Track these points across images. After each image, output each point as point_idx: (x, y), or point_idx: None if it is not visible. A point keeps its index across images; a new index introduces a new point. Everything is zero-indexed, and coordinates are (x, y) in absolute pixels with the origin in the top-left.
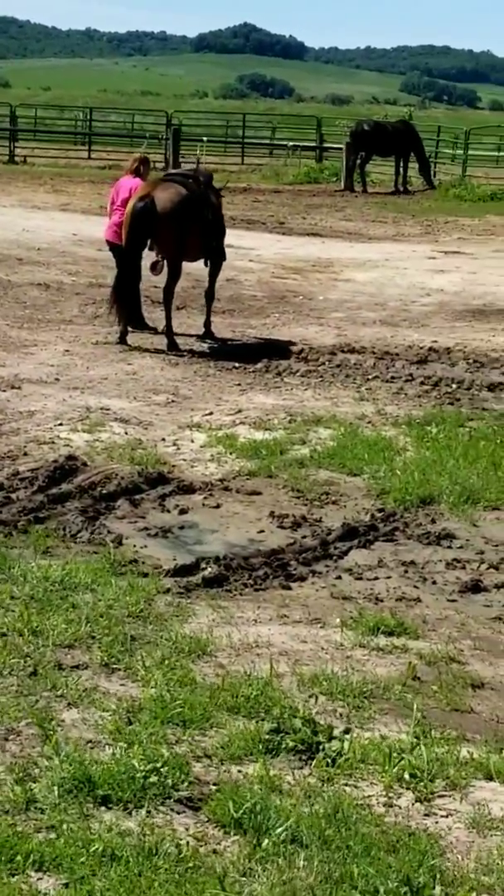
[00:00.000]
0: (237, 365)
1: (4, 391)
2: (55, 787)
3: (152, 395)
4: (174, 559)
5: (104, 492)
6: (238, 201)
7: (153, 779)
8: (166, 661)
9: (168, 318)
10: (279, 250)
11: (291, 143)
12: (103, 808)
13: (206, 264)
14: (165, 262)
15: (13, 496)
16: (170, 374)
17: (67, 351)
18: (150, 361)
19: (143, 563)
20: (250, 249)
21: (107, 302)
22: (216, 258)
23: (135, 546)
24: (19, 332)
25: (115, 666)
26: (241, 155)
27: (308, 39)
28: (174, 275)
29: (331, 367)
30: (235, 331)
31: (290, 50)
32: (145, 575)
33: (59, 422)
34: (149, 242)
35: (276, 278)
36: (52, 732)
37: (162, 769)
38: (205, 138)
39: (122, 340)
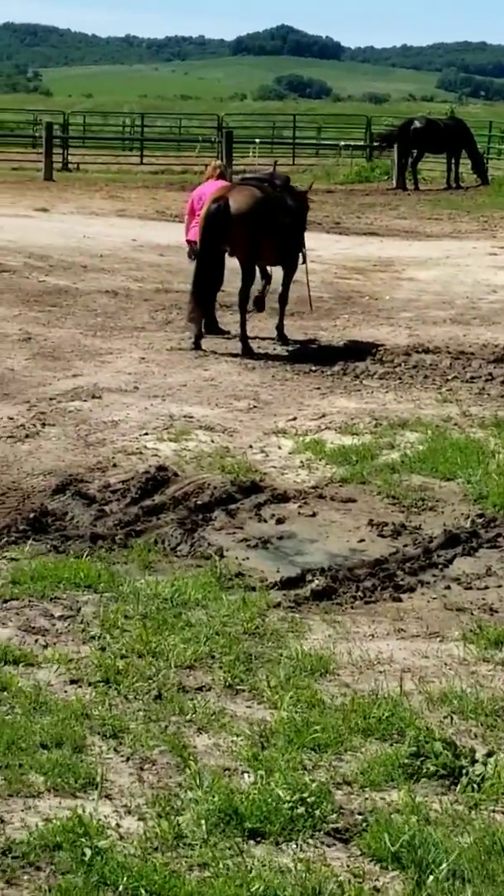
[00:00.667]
0: (314, 368)
1: (86, 401)
2: (202, 821)
3: (233, 401)
4: (278, 571)
5: (199, 502)
6: None
7: (300, 810)
8: (291, 681)
9: (242, 323)
10: (338, 250)
11: (343, 143)
12: (252, 843)
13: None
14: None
15: (107, 509)
16: (248, 380)
17: (143, 358)
18: (227, 367)
19: (249, 576)
20: (310, 250)
21: (186, 305)
22: (291, 262)
23: (237, 558)
24: (93, 340)
25: (239, 687)
26: (291, 156)
27: (344, 39)
28: (248, 278)
29: (408, 368)
30: (307, 333)
31: (327, 50)
32: (252, 589)
33: (144, 431)
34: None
35: (339, 279)
36: (191, 761)
37: (308, 799)
38: (257, 140)
39: (197, 346)
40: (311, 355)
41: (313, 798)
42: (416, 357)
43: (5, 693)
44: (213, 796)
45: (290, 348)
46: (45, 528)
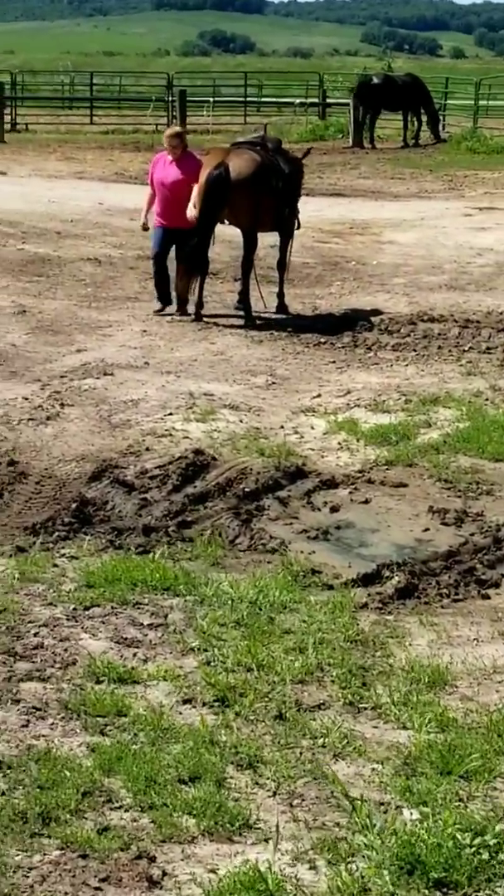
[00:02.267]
0: (322, 340)
1: (98, 378)
2: (384, 871)
3: (249, 376)
4: (349, 566)
5: (246, 490)
6: None
7: (484, 855)
8: (412, 697)
9: (246, 293)
10: (309, 213)
11: (299, 101)
12: (439, 895)
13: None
14: (240, 232)
15: (148, 497)
16: (259, 353)
17: (145, 331)
18: (233, 339)
19: (323, 573)
20: None
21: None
22: (288, 228)
23: (302, 552)
24: (88, 311)
25: (361, 705)
26: (242, 115)
27: None
28: (251, 245)
29: (417, 338)
30: (304, 301)
31: (250, 5)
32: (330, 587)
33: (167, 411)
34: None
35: (319, 242)
36: (358, 801)
37: (489, 842)
38: (211, 99)
39: (198, 316)
40: (316, 325)
41: (495, 841)
42: (423, 326)
43: (125, 718)
44: (389, 841)
45: (292, 318)
46: (89, 520)
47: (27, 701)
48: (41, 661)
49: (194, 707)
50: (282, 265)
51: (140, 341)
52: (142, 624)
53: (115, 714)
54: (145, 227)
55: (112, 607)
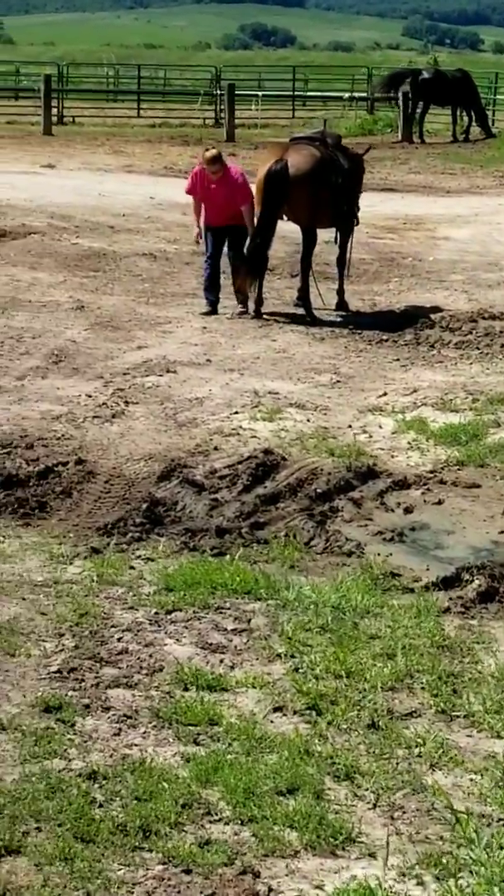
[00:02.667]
0: (384, 337)
1: (161, 376)
2: (495, 888)
3: (313, 375)
4: (427, 569)
5: (318, 490)
6: None
7: None
8: None
9: (305, 289)
10: (362, 208)
11: (347, 95)
12: None
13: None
14: (299, 228)
15: (219, 497)
16: (321, 351)
17: (205, 328)
18: (294, 337)
19: (401, 576)
20: None
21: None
22: (347, 224)
23: (378, 554)
24: (147, 308)
25: (453, 713)
26: (290, 109)
27: None
28: (310, 242)
29: (479, 335)
30: (363, 298)
31: None
32: (410, 590)
33: (233, 409)
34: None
35: (374, 238)
36: (463, 814)
37: None
38: (260, 93)
39: (258, 313)
40: (376, 323)
41: None
42: (484, 324)
43: (218, 728)
44: (497, 855)
45: (352, 316)
46: (160, 521)
47: (117, 709)
48: (127, 666)
49: (285, 715)
50: (342, 262)
51: (201, 338)
52: (226, 629)
53: (207, 723)
54: (198, 241)
55: (194, 612)
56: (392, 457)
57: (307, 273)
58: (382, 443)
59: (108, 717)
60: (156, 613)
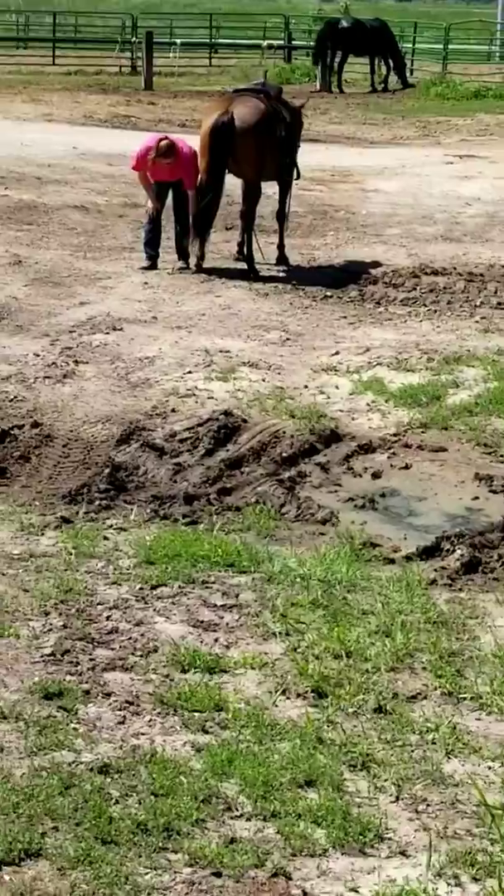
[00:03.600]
0: (329, 294)
1: (108, 333)
2: None
3: (262, 332)
4: (405, 537)
5: (283, 454)
6: None
7: None
8: None
9: (249, 244)
10: None
11: (266, 43)
12: None
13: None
14: (243, 182)
15: (181, 461)
16: (267, 307)
17: (146, 283)
18: (238, 293)
19: (381, 546)
20: None
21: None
22: (287, 177)
23: (353, 522)
24: (85, 262)
25: (460, 695)
26: (207, 57)
27: None
28: (255, 195)
29: (424, 292)
30: (302, 253)
31: None
32: (391, 561)
33: (186, 369)
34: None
35: (303, 190)
36: (499, 811)
37: None
38: (178, 41)
39: (200, 268)
40: (319, 279)
41: None
42: (427, 279)
43: (224, 714)
44: None
45: (292, 270)
46: (124, 486)
47: (118, 694)
48: (120, 647)
49: (290, 699)
50: (281, 216)
51: (143, 294)
52: (215, 605)
53: (213, 709)
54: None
55: (179, 587)
56: (353, 419)
57: (251, 229)
58: (341, 404)
59: (110, 704)
60: (140, 589)
